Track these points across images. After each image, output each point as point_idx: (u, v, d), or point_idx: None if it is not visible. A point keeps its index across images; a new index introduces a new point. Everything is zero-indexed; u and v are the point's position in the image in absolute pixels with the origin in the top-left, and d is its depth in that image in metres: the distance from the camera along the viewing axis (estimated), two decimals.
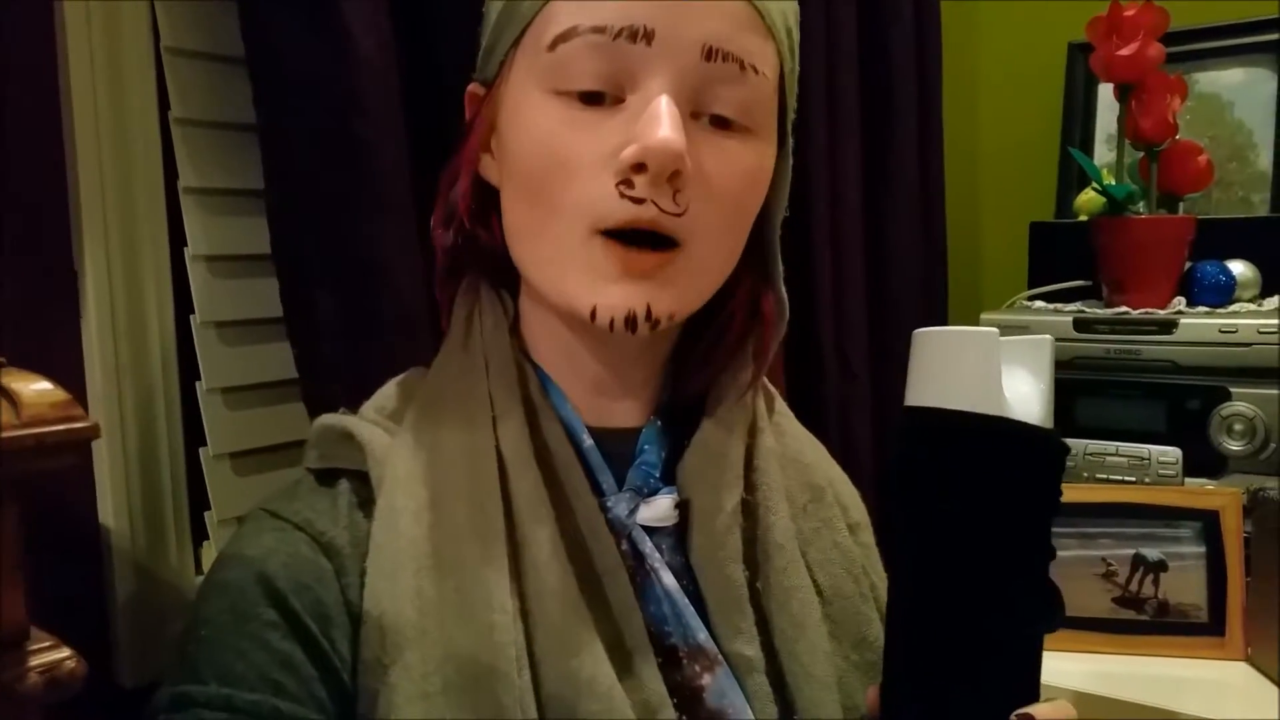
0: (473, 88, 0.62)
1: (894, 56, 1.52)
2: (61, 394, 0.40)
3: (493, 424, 0.57)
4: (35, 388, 0.40)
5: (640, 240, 0.53)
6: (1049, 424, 0.47)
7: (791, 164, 0.63)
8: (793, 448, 0.66)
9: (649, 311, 0.53)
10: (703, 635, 0.57)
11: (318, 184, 0.82)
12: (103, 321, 0.80)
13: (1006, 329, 1.26)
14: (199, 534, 0.89)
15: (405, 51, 0.86)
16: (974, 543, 0.46)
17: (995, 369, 0.46)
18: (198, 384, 0.87)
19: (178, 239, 0.85)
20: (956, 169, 1.70)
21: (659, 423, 0.62)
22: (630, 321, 0.53)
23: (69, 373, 0.79)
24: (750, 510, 0.61)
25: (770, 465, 0.62)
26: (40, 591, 0.56)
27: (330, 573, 0.53)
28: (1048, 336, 0.48)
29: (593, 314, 0.53)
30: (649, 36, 0.52)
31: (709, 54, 0.53)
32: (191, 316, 0.86)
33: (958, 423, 0.46)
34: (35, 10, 0.77)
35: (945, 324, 1.68)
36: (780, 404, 0.69)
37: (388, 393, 0.63)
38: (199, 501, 0.88)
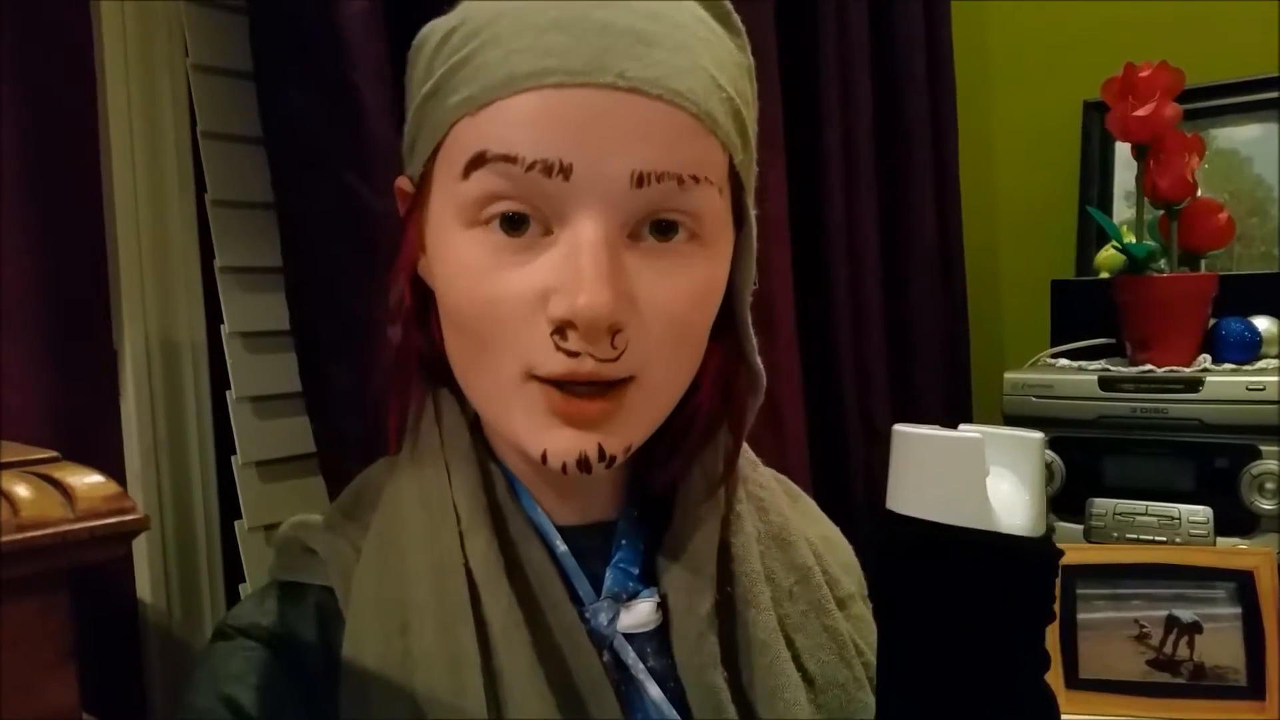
0: (401, 182, 0.57)
1: (909, 117, 1.54)
2: (113, 486, 0.41)
3: (460, 539, 0.54)
4: (88, 481, 0.41)
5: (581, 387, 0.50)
6: (1040, 528, 0.44)
7: (755, 237, 0.57)
8: (776, 525, 0.63)
9: (601, 451, 0.50)
10: None
11: (331, 261, 0.82)
12: (141, 399, 0.82)
13: (1030, 387, 1.28)
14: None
15: None
16: (961, 658, 0.44)
17: (980, 478, 0.43)
18: (233, 458, 0.88)
19: (214, 316, 0.88)
20: (975, 228, 1.72)
21: (634, 513, 0.60)
22: (583, 464, 0.50)
23: (107, 450, 0.81)
24: (730, 605, 0.58)
25: (750, 554, 0.59)
26: (79, 669, 0.57)
27: (299, 695, 0.52)
28: (1039, 435, 0.45)
29: (544, 458, 0.51)
30: (565, 172, 0.46)
31: (640, 180, 0.47)
32: (227, 392, 0.88)
33: (941, 538, 0.43)
34: (78, 100, 0.80)
35: (969, 383, 1.68)
36: (760, 474, 0.65)
37: (353, 492, 0.60)
38: (234, 575, 0.89)
